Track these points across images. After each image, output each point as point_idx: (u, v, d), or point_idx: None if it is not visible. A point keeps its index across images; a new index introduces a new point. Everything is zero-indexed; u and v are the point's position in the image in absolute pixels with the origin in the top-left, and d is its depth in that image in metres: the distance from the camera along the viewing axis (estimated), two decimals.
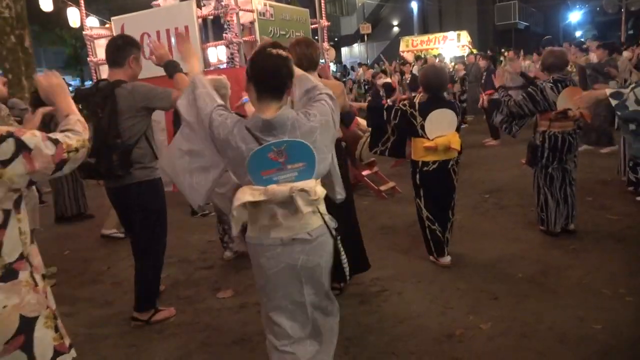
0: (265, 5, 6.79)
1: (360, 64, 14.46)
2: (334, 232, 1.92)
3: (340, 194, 2.13)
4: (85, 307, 3.54)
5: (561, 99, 3.85)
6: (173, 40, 6.65)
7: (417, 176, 3.66)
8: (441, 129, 3.50)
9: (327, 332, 2.06)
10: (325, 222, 1.89)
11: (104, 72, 7.74)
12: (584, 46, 10.50)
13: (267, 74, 1.80)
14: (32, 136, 1.46)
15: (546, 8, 30.80)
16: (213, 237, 4.70)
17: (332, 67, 19.85)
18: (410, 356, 2.58)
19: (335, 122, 1.91)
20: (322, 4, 8.18)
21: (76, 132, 1.58)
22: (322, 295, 2.00)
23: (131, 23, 6.96)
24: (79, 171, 2.89)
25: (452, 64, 13.02)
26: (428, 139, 3.50)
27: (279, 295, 1.94)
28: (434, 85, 3.58)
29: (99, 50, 7.59)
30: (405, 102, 3.87)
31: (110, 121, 2.84)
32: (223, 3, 6.50)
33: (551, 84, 3.90)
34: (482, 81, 8.90)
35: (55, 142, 1.49)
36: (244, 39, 6.51)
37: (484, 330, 2.79)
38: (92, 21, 8.60)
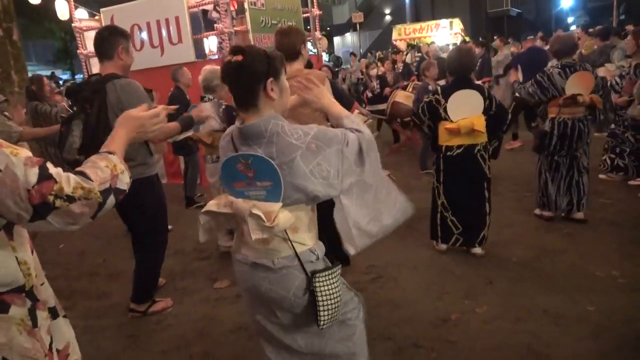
0: None
1: (351, 54, 14.29)
2: (307, 268, 1.62)
3: (350, 249, 1.73)
4: (82, 299, 3.54)
5: (570, 83, 3.80)
6: (164, 31, 6.59)
7: (440, 161, 3.57)
8: (465, 110, 3.39)
9: None
10: (296, 254, 1.61)
11: (95, 64, 7.67)
12: (590, 30, 10.48)
13: (228, 81, 1.60)
14: (10, 153, 1.09)
15: None
16: None
17: (325, 57, 19.75)
18: (407, 340, 2.60)
19: (345, 155, 1.58)
20: None
21: (86, 178, 1.19)
22: (303, 325, 1.72)
23: (121, 14, 6.88)
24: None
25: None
26: (451, 121, 3.42)
27: (252, 312, 1.82)
28: (462, 68, 3.48)
29: (89, 43, 7.51)
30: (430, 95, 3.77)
31: (99, 116, 2.73)
32: None
33: (559, 70, 3.84)
34: (477, 68, 8.88)
35: (46, 173, 1.11)
36: (235, 28, 6.46)
37: (480, 314, 2.82)
38: (81, 13, 8.48)
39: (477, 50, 9.45)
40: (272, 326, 1.75)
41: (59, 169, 1.15)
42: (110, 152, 1.34)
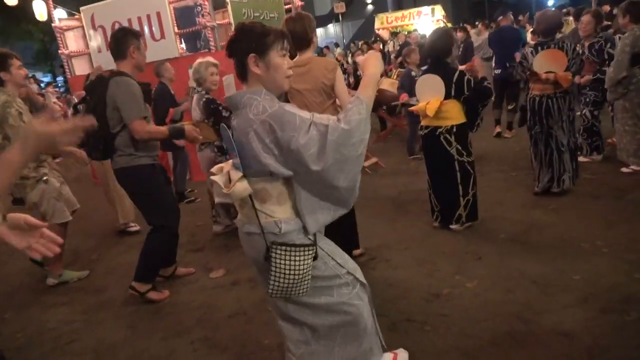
0: None
1: (334, 45, 14.11)
2: (268, 238, 1.70)
3: (309, 227, 1.70)
4: (79, 295, 3.56)
5: (537, 61, 3.92)
6: (146, 28, 6.56)
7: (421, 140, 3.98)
8: (427, 94, 3.60)
9: (314, 332, 1.88)
10: (260, 223, 1.70)
11: (77, 64, 7.61)
12: (564, 10, 10.60)
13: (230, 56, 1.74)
14: None
15: None
16: (201, 222, 4.73)
17: None
18: (400, 315, 2.67)
19: (298, 147, 1.56)
20: None
21: None
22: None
23: (101, 12, 6.83)
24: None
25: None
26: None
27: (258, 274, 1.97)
28: (434, 52, 3.66)
29: (70, 42, 7.45)
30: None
31: (96, 108, 3.02)
32: None
33: (532, 49, 4.01)
34: (459, 53, 8.96)
35: None
36: (217, 22, 6.45)
37: (470, 287, 2.90)
38: (60, 13, 8.39)
39: (460, 35, 9.53)
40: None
41: None
42: None
